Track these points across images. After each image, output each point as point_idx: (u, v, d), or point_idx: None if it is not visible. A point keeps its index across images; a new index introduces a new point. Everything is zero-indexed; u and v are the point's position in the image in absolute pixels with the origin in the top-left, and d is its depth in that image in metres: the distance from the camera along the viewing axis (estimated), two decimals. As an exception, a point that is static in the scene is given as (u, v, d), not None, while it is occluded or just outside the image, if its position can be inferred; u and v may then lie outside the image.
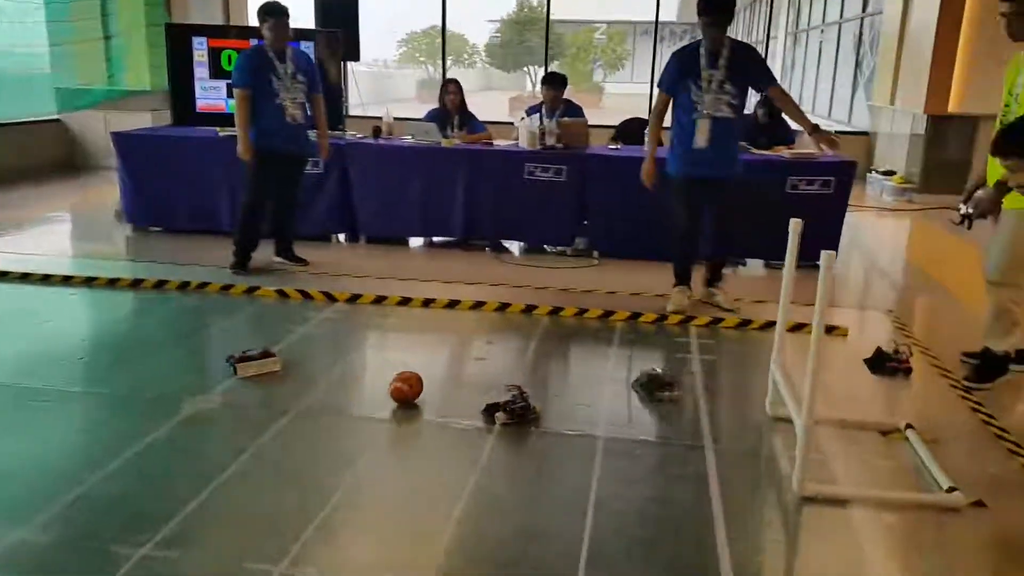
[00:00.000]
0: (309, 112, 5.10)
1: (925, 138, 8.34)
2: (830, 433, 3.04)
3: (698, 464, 2.83)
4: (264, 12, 4.83)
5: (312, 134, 5.22)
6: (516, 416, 3.10)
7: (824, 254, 2.44)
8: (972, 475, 2.76)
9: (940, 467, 2.73)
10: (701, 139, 4.31)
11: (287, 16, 4.86)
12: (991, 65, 7.60)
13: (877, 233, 7.22)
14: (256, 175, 5.02)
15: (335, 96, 6.62)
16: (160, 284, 4.86)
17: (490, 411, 3.13)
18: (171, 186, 6.11)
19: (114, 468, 2.71)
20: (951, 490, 2.58)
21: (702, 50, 4.31)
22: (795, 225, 3.06)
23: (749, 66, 4.35)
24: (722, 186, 4.48)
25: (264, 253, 5.27)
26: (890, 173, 8.87)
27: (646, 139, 4.81)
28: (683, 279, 4.67)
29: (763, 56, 4.42)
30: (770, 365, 3.24)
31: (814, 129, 4.27)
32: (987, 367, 3.59)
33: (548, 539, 2.39)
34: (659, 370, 3.50)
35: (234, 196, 5.73)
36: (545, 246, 6.06)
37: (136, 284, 4.88)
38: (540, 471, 2.85)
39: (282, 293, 4.75)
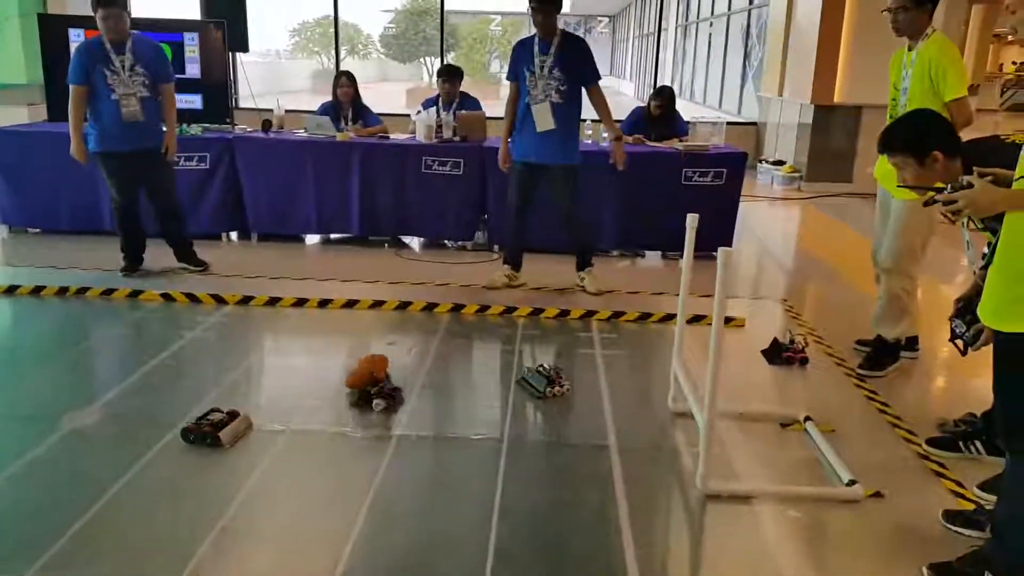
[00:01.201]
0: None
1: (812, 128, 8.64)
2: (731, 426, 3.07)
3: (602, 464, 2.80)
4: (95, 2, 4.44)
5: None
6: (390, 398, 3.12)
7: (721, 251, 2.45)
8: (870, 464, 2.83)
9: (839, 459, 2.79)
10: (535, 124, 4.47)
11: (117, 6, 4.45)
12: (874, 56, 7.91)
13: (768, 222, 7.44)
14: (110, 177, 4.73)
15: (221, 89, 6.30)
16: (37, 290, 4.50)
17: (365, 400, 3.11)
18: (49, 184, 5.70)
19: (-23, 498, 2.47)
20: (851, 483, 2.64)
21: (536, 38, 4.49)
22: (691, 220, 3.05)
23: (576, 58, 4.49)
24: (552, 173, 4.60)
25: (164, 257, 4.97)
26: (780, 163, 9.17)
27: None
28: (506, 259, 4.88)
29: (591, 53, 4.61)
30: (672, 360, 3.25)
31: (616, 138, 4.60)
32: (880, 355, 3.71)
33: (453, 547, 2.30)
34: (545, 365, 3.45)
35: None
36: (445, 241, 5.95)
37: (11, 291, 4.51)
38: (444, 477, 2.75)
39: (168, 297, 4.48)
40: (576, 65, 4.47)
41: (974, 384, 3.65)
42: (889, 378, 3.67)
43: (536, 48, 4.47)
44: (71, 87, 4.54)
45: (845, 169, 8.66)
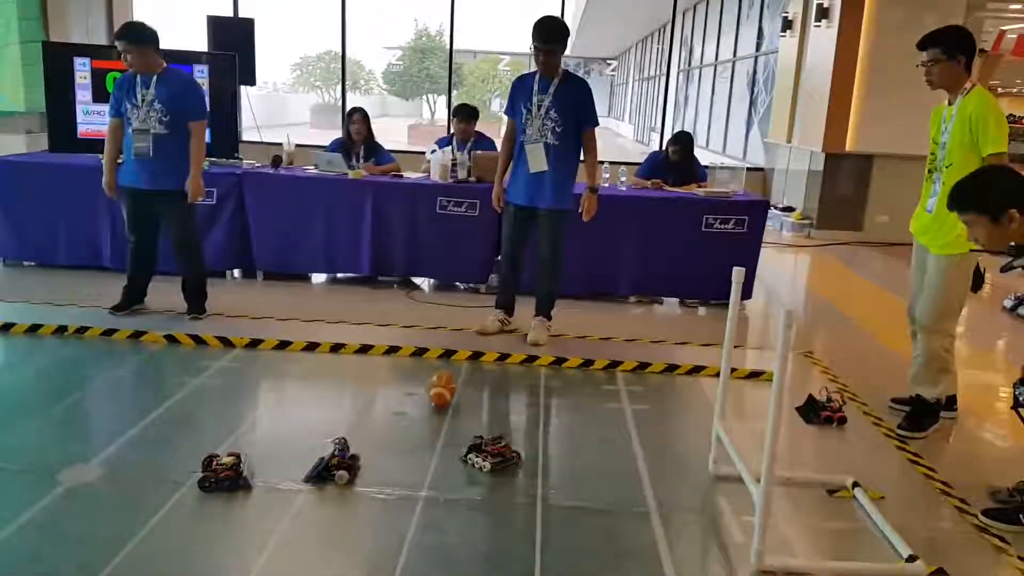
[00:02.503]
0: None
1: (823, 175, 8.58)
2: (777, 493, 2.88)
3: (645, 534, 2.62)
4: (115, 36, 4.32)
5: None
6: (349, 468, 2.88)
7: (783, 312, 2.28)
8: (925, 536, 2.66)
9: (895, 531, 2.61)
10: (531, 164, 4.34)
11: (130, 40, 4.27)
12: (885, 104, 7.95)
13: (780, 269, 7.33)
14: (125, 212, 4.59)
15: (229, 124, 6.19)
16: (33, 329, 4.31)
17: (326, 473, 2.84)
18: (48, 217, 5.55)
19: (-29, 564, 2.27)
20: (911, 559, 2.46)
21: (537, 76, 4.35)
22: (737, 274, 2.90)
23: (577, 99, 4.35)
24: (540, 215, 4.44)
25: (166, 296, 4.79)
26: (789, 209, 9.10)
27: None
28: (499, 304, 4.72)
29: (591, 96, 4.46)
30: (710, 419, 3.08)
31: (592, 189, 4.42)
32: (919, 415, 3.56)
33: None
34: (481, 436, 3.15)
35: (116, 229, 5.21)
36: (458, 283, 5.80)
37: (5, 328, 4.31)
38: (475, 546, 2.55)
39: (172, 339, 4.29)
40: (574, 107, 4.32)
41: (1022, 448, 3.50)
42: (930, 440, 3.51)
43: (536, 86, 4.33)
44: (108, 119, 4.51)
45: (856, 217, 8.59)
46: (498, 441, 3.09)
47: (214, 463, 2.80)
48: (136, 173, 4.43)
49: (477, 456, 3.03)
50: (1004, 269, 2.23)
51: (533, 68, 4.42)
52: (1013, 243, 2.40)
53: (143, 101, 4.35)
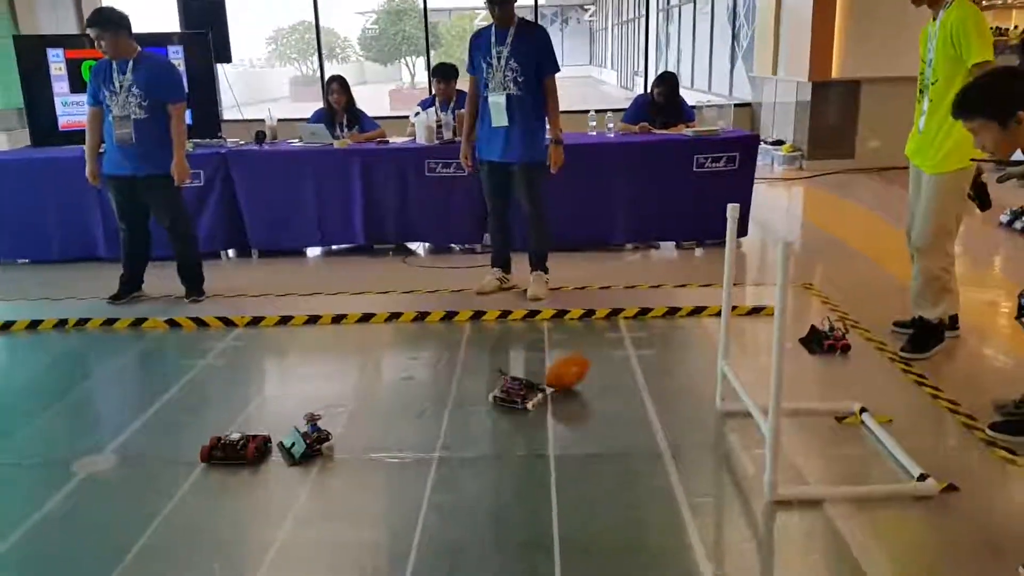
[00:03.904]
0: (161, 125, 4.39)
1: (810, 105, 8.50)
2: (787, 424, 2.88)
3: (660, 476, 2.65)
4: (86, 23, 4.24)
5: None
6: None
7: (782, 244, 2.27)
8: (935, 455, 2.69)
9: (905, 452, 2.64)
10: (494, 118, 4.29)
11: (100, 25, 4.19)
12: (869, 28, 7.85)
13: (774, 204, 7.29)
14: (112, 200, 4.56)
15: (209, 103, 6.10)
16: (33, 324, 4.30)
17: (312, 451, 2.82)
18: (36, 213, 5.51)
19: (1, 554, 2.31)
20: (922, 477, 2.49)
21: (493, 28, 4.30)
22: (732, 210, 2.90)
23: (534, 48, 4.27)
24: (515, 171, 4.39)
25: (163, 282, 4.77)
26: (779, 143, 9.04)
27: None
28: (494, 262, 4.72)
29: (550, 42, 4.37)
30: (715, 358, 3.10)
31: (556, 141, 4.33)
32: (923, 336, 3.57)
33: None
34: (516, 378, 3.28)
35: (108, 219, 5.18)
36: (452, 245, 5.78)
37: (5, 327, 4.30)
38: (494, 501, 2.58)
39: (173, 323, 4.29)
40: (534, 55, 4.25)
41: (1025, 361, 3.53)
42: (934, 360, 3.53)
43: (493, 38, 4.26)
44: (87, 108, 4.45)
45: (846, 145, 8.53)
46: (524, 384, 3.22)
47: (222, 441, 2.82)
48: (119, 160, 4.39)
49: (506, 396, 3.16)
50: (1001, 179, 2.20)
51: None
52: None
53: (121, 87, 4.29)
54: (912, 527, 2.38)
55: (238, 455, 2.77)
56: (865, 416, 2.93)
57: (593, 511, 2.48)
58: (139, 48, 4.36)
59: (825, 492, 2.50)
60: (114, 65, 4.30)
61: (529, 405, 3.13)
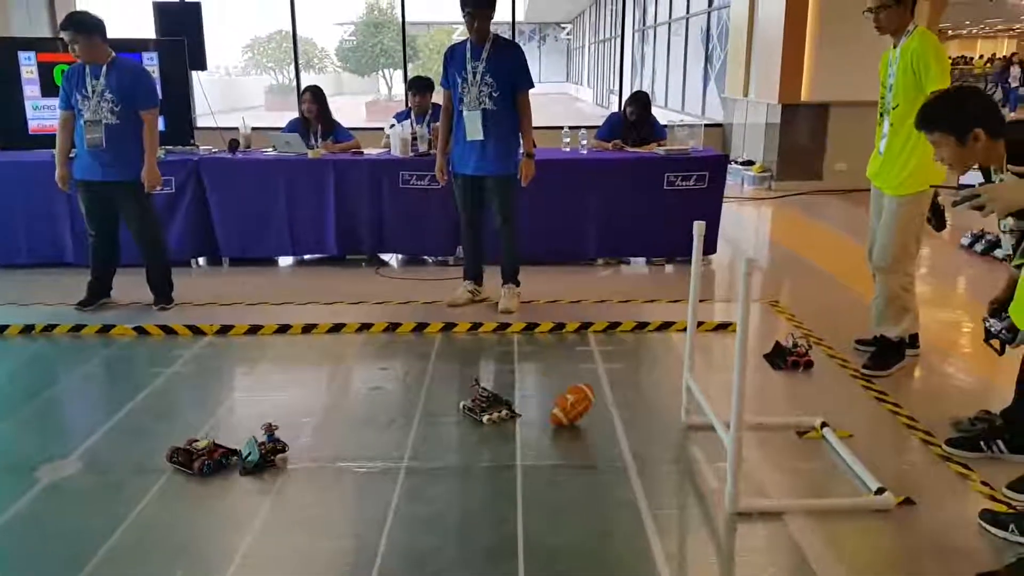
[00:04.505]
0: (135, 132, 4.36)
1: (780, 127, 8.66)
2: (748, 438, 2.95)
3: (624, 487, 2.68)
4: (60, 27, 4.23)
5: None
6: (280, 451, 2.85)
7: (747, 261, 2.32)
8: (893, 470, 2.75)
9: (864, 466, 2.71)
10: (469, 132, 4.33)
11: (73, 28, 4.16)
12: (838, 52, 8.02)
13: (744, 223, 7.42)
14: (82, 206, 4.53)
15: (182, 110, 6.08)
16: (-1, 330, 4.26)
17: (264, 462, 2.81)
18: (5, 217, 5.45)
19: (-48, 569, 2.27)
20: (880, 491, 2.56)
21: (468, 44, 4.34)
22: (698, 228, 2.96)
23: (511, 63, 4.33)
24: (488, 185, 4.44)
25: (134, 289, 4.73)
26: (749, 163, 9.19)
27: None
28: (467, 275, 4.74)
29: (525, 59, 4.44)
30: (680, 372, 3.15)
31: (528, 155, 4.39)
32: (884, 354, 3.65)
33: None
34: (486, 390, 3.30)
35: (77, 224, 5.13)
36: (426, 257, 5.80)
37: (-33, 333, 4.24)
38: (459, 511, 2.60)
39: (141, 330, 4.26)
40: (509, 71, 4.31)
41: (981, 379, 3.63)
42: (895, 377, 3.61)
43: (468, 54, 4.31)
44: (59, 112, 4.43)
45: (815, 167, 8.70)
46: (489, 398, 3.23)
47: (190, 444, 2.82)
48: (90, 165, 4.36)
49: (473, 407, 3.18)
50: (956, 203, 2.27)
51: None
52: (980, 166, 2.45)
53: (93, 92, 4.27)
54: (869, 539, 2.43)
55: (190, 463, 2.76)
56: (826, 431, 2.99)
57: (558, 521, 2.51)
58: (113, 53, 4.34)
59: (785, 505, 2.55)
60: (87, 70, 4.28)
61: (485, 419, 3.14)
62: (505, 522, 2.48)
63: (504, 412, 3.19)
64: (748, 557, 2.37)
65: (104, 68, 4.28)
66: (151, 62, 5.82)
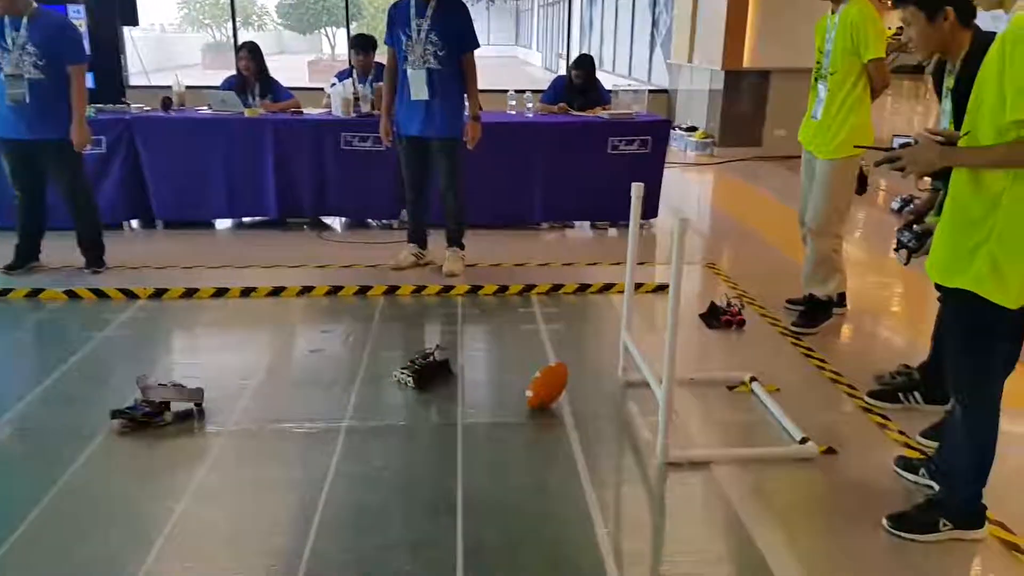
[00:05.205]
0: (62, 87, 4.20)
1: (723, 93, 8.76)
2: (682, 393, 3.05)
3: (561, 442, 2.75)
4: None
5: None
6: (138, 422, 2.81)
7: (679, 221, 2.38)
8: (817, 421, 2.87)
9: (789, 418, 2.82)
10: (413, 91, 4.28)
11: None
12: (780, 20, 8.12)
13: (686, 188, 7.52)
14: (6, 165, 4.36)
15: (113, 67, 5.88)
16: (-82, 296, 4.11)
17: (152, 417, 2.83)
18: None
19: None
20: (804, 441, 2.67)
21: (412, 1, 4.27)
22: (636, 189, 3.02)
23: (455, 22, 4.28)
24: (433, 146, 4.41)
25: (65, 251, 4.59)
26: (692, 129, 9.29)
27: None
28: (411, 238, 4.72)
29: (470, 17, 4.39)
30: (620, 331, 3.22)
31: (474, 117, 4.37)
32: (812, 312, 3.79)
33: (418, 542, 2.20)
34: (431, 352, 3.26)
35: (2, 185, 4.93)
36: (369, 220, 5.76)
37: None
38: (400, 469, 2.63)
39: (72, 294, 4.15)
40: (454, 29, 4.25)
41: (904, 336, 3.79)
42: (822, 334, 3.75)
43: (412, 11, 4.23)
44: None
45: (755, 133, 8.83)
46: (427, 357, 3.21)
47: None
48: (14, 122, 4.19)
49: (403, 372, 3.15)
50: (877, 163, 2.35)
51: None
52: (949, 55, 2.49)
53: (14, 44, 4.09)
54: (792, 486, 2.55)
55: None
56: (754, 385, 3.10)
57: (497, 476, 2.56)
58: (35, 4, 4.17)
59: (713, 454, 2.65)
60: (6, 21, 4.10)
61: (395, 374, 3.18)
62: (445, 478, 2.52)
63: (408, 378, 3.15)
64: (678, 505, 2.46)
65: (25, 20, 4.10)
66: (77, 15, 5.62)
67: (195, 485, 2.48)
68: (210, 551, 2.21)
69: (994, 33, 2.50)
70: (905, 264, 2.67)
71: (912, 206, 2.71)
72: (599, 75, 6.41)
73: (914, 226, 2.59)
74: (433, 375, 3.18)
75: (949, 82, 2.60)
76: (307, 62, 26.71)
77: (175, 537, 2.24)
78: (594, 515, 2.34)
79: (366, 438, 2.78)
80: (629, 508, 2.46)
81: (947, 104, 2.59)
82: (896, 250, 2.68)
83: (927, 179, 2.56)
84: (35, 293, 4.16)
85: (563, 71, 7.70)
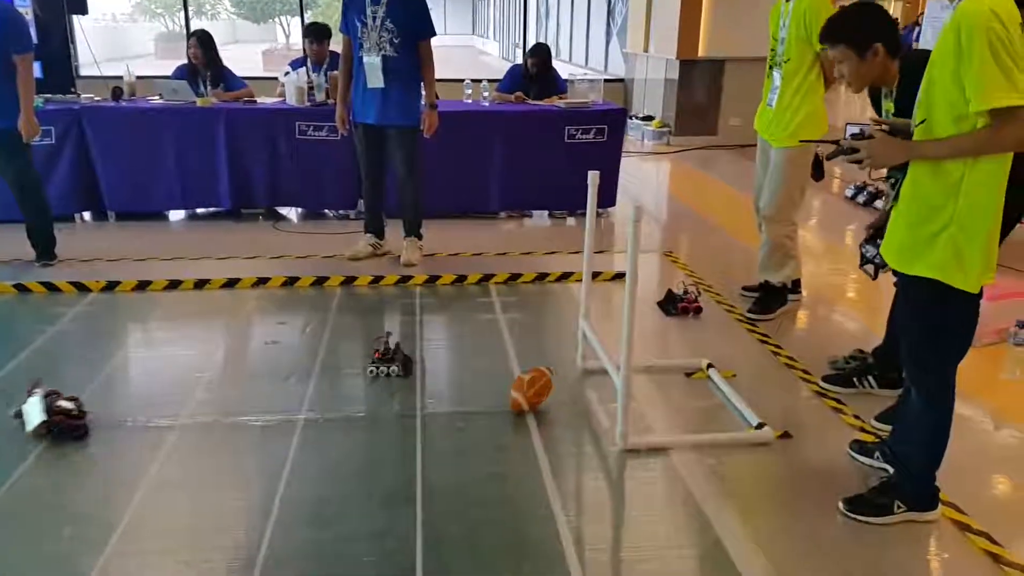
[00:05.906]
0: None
1: (678, 82, 8.83)
2: (640, 380, 3.09)
3: (520, 430, 2.76)
4: None
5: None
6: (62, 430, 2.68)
7: (634, 208, 2.40)
8: (773, 406, 2.92)
9: (746, 403, 2.86)
10: (369, 79, 4.26)
11: None
12: (734, 9, 8.20)
13: (641, 177, 7.57)
14: None
15: (62, 56, 5.72)
16: None
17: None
18: None
19: None
20: (760, 426, 2.72)
21: None
22: (592, 177, 3.04)
23: (411, 10, 4.25)
24: (389, 135, 4.38)
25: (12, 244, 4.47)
26: (649, 118, 9.35)
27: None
28: (368, 228, 4.69)
29: (426, 5, 4.37)
30: (578, 320, 3.24)
31: (431, 105, 4.35)
32: (767, 298, 3.84)
33: (378, 532, 2.19)
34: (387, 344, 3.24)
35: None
36: (326, 211, 5.70)
37: None
38: (359, 460, 2.61)
39: (22, 288, 4.04)
40: (410, 17, 4.22)
41: (858, 322, 3.86)
42: (777, 320, 3.81)
43: None
44: None
45: (710, 122, 8.92)
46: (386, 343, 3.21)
47: (53, 407, 2.70)
48: None
49: (382, 365, 3.12)
50: (830, 156, 2.38)
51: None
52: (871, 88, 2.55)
53: None
54: (749, 470, 2.59)
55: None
56: (711, 371, 3.14)
57: (456, 465, 2.56)
58: None
59: (671, 440, 2.69)
60: None
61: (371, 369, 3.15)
62: (404, 468, 2.51)
63: (393, 368, 3.15)
64: (637, 491, 2.49)
65: None
66: (23, 4, 5.44)
67: (149, 481, 2.44)
68: (167, 545, 2.17)
69: (921, 51, 2.56)
70: (874, 279, 2.71)
71: (872, 221, 2.74)
72: (556, 64, 6.42)
73: (877, 240, 2.62)
74: (407, 360, 3.19)
75: (888, 106, 2.65)
76: (261, 51, 26.26)
77: (130, 532, 2.20)
78: (554, 503, 2.35)
79: (324, 430, 2.75)
80: (589, 495, 2.47)
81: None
82: (861, 265, 2.71)
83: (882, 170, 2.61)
84: (-20, 288, 4.04)
85: (520, 60, 7.68)
